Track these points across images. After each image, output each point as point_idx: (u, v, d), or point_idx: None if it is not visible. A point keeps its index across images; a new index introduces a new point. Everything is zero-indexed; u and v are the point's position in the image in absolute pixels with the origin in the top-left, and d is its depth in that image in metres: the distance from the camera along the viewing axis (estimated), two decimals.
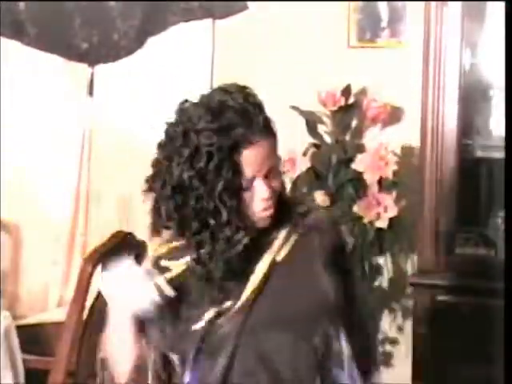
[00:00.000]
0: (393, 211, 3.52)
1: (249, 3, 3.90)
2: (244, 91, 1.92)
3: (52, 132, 4.11)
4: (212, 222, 1.89)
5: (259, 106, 1.91)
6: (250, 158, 1.88)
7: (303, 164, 3.60)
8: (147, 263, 2.00)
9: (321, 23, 3.81)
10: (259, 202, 1.92)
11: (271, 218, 1.96)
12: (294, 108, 3.68)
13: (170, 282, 1.94)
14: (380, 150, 3.55)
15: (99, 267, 2.65)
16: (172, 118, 1.96)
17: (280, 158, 1.99)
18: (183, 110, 1.94)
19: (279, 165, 1.99)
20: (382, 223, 3.52)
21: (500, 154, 3.25)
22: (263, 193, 1.91)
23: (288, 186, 3.49)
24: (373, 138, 3.69)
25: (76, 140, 4.11)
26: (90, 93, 4.09)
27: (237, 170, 1.87)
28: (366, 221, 3.52)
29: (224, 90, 1.92)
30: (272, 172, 1.93)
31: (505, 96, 2.69)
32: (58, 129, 4.11)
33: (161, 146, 1.95)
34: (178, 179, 1.89)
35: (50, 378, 2.72)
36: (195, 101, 1.95)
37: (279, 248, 2.00)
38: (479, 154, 3.54)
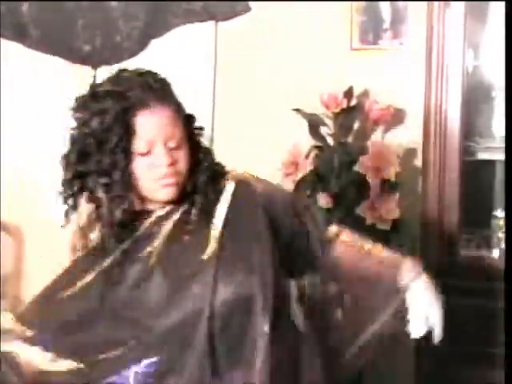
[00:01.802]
0: (395, 213, 3.51)
1: (251, 5, 3.90)
2: (150, 71, 2.09)
3: (54, 134, 4.01)
4: (105, 180, 1.98)
5: (160, 79, 2.06)
6: (145, 122, 1.97)
7: (306, 166, 3.59)
8: None
9: (323, 25, 3.81)
10: (160, 168, 1.99)
11: (177, 190, 2.02)
12: (297, 110, 3.68)
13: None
14: (382, 151, 3.55)
15: None
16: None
17: (191, 132, 2.07)
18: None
19: (186, 137, 2.04)
20: (385, 225, 3.51)
21: (502, 156, 3.24)
22: (161, 158, 1.98)
23: (291, 189, 3.54)
24: (375, 139, 3.68)
25: None
26: None
27: (130, 131, 1.96)
28: (368, 223, 3.51)
29: (132, 69, 2.09)
30: (175, 141, 2.00)
31: (505, 97, 2.72)
32: (60, 131, 4.08)
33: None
34: (79, 143, 2.01)
35: None
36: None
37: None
38: (482, 155, 3.53)
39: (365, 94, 3.75)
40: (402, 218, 3.52)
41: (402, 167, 3.55)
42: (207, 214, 2.05)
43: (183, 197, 2.08)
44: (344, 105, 3.64)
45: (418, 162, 3.56)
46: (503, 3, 2.99)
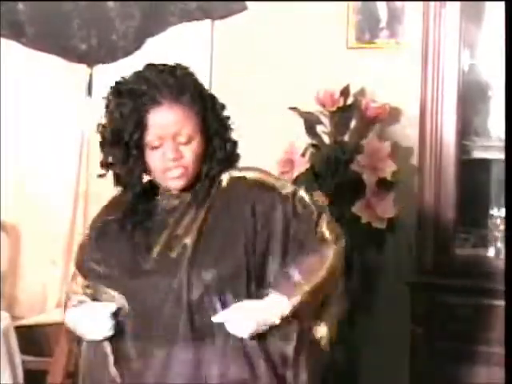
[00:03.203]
0: (391, 212, 3.52)
1: (248, 4, 3.89)
2: (173, 66, 2.22)
3: (51, 133, 4.12)
4: (125, 169, 2.21)
5: (182, 78, 2.19)
6: (156, 119, 2.15)
7: (302, 164, 3.60)
8: None
9: (320, 24, 3.81)
10: (168, 161, 2.17)
11: (185, 180, 2.19)
12: (293, 109, 3.68)
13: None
14: (379, 150, 3.55)
15: None
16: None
17: (200, 130, 2.19)
18: None
19: (198, 135, 2.18)
20: (381, 224, 3.52)
21: (498, 155, 3.29)
22: (168, 152, 2.16)
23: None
24: (372, 138, 3.68)
25: (75, 141, 4.12)
26: (89, 93, 4.09)
27: (142, 126, 2.15)
28: (364, 221, 3.51)
29: (158, 65, 2.23)
30: (184, 137, 2.16)
31: (505, 97, 2.71)
32: (56, 129, 4.12)
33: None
34: (103, 135, 2.24)
35: (48, 379, 2.72)
36: None
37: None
38: (478, 154, 3.53)
39: (361, 92, 3.75)
40: (397, 216, 3.53)
41: (398, 166, 3.56)
42: (200, 202, 2.22)
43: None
44: (340, 103, 3.65)
45: (414, 160, 3.56)
46: (498, 3, 3.01)
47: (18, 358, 3.49)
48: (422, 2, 3.47)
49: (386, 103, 3.67)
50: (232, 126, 2.28)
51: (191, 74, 2.24)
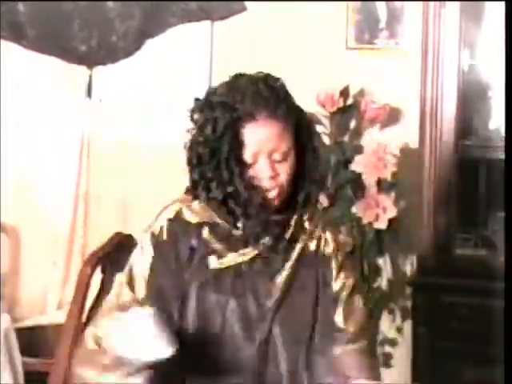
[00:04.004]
0: (392, 212, 3.50)
1: (247, 4, 3.89)
2: (266, 76, 2.10)
3: (51, 134, 4.11)
4: (231, 189, 2.02)
5: (273, 86, 2.05)
6: (252, 134, 2.00)
7: None
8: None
9: (319, 24, 3.81)
10: (263, 180, 2.02)
11: (279, 201, 2.04)
12: None
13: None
14: (379, 151, 3.54)
15: (98, 270, 2.67)
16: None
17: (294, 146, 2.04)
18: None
19: (293, 152, 2.04)
20: (381, 224, 3.51)
21: (498, 155, 3.31)
22: (265, 171, 2.01)
23: None
24: (371, 139, 3.68)
25: (75, 142, 4.11)
26: (89, 95, 4.08)
27: (238, 142, 1.99)
28: (364, 222, 3.51)
29: (249, 75, 2.11)
30: (280, 154, 2.02)
31: (505, 97, 2.69)
32: (56, 131, 4.10)
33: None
34: (195, 149, 2.04)
35: (49, 381, 2.72)
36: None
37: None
38: (478, 154, 3.55)
39: (361, 93, 3.74)
40: (398, 217, 3.52)
41: (398, 166, 3.54)
42: (287, 246, 2.10)
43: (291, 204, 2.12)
44: (340, 104, 3.65)
45: (414, 161, 3.56)
46: (498, 3, 3.01)
47: (19, 359, 3.48)
48: (421, 2, 3.48)
49: (386, 104, 3.66)
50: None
51: (284, 86, 2.11)
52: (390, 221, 3.52)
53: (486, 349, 3.17)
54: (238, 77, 2.10)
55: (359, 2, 3.80)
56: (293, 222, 2.09)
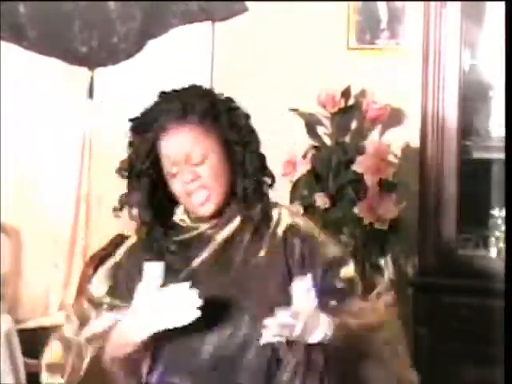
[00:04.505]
0: (393, 213, 3.50)
1: (248, 5, 3.90)
2: (181, 89, 2.19)
3: (52, 135, 4.12)
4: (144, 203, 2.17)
5: (186, 97, 2.14)
6: (167, 146, 2.12)
7: (303, 166, 3.59)
8: None
9: (320, 25, 3.81)
10: (185, 185, 2.12)
11: (214, 204, 2.12)
12: (294, 110, 3.68)
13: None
14: (380, 151, 3.54)
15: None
16: None
17: (218, 145, 2.14)
18: None
19: (215, 152, 2.13)
20: (383, 225, 3.51)
21: (499, 155, 3.29)
22: (185, 175, 2.11)
23: (288, 189, 3.57)
24: (373, 139, 3.69)
25: (76, 143, 4.12)
26: (90, 96, 4.09)
27: (156, 156, 2.13)
28: (366, 222, 3.50)
29: (164, 92, 2.20)
30: (199, 157, 2.11)
31: (505, 97, 2.72)
32: (58, 132, 4.11)
33: None
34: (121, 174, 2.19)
35: None
36: None
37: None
38: (479, 154, 3.55)
39: (362, 93, 3.74)
40: (399, 217, 3.52)
41: (399, 167, 3.56)
42: (258, 237, 2.18)
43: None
44: (341, 104, 3.65)
45: (416, 161, 3.56)
46: (499, 3, 3.02)
47: (21, 360, 3.49)
48: (422, 3, 3.48)
49: (387, 104, 3.66)
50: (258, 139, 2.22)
51: (200, 92, 2.19)
52: (392, 221, 3.52)
53: (486, 349, 3.17)
54: (158, 95, 2.19)
55: (360, 3, 3.81)
56: (237, 221, 2.17)
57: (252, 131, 2.22)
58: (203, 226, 2.18)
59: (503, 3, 2.88)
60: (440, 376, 3.35)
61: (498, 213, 3.45)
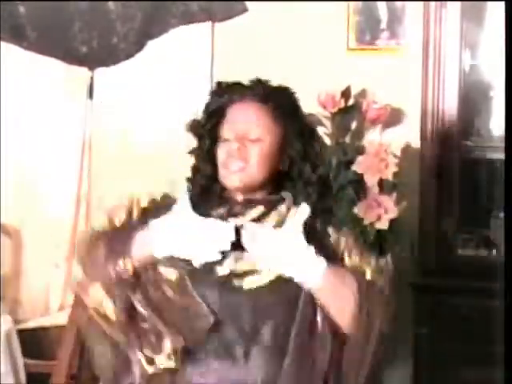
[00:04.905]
0: (393, 213, 3.50)
1: (248, 5, 3.90)
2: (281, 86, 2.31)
3: (52, 136, 4.12)
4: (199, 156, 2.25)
5: (275, 87, 2.27)
6: (233, 113, 2.20)
7: None
8: None
9: (320, 25, 3.81)
10: (230, 151, 2.16)
11: (242, 177, 2.15)
12: None
13: None
14: (380, 151, 3.53)
15: None
16: None
17: (277, 132, 2.19)
18: None
19: (273, 142, 2.18)
20: (383, 225, 3.50)
21: (500, 155, 3.29)
22: (233, 144, 2.16)
23: None
24: (373, 139, 3.67)
25: (76, 144, 4.12)
26: (90, 96, 4.09)
27: (223, 120, 2.20)
28: (366, 222, 3.51)
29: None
30: (257, 134, 2.16)
31: (505, 97, 2.69)
32: (58, 133, 4.12)
33: None
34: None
35: (51, 382, 2.74)
36: None
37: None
38: (479, 154, 3.57)
39: (362, 93, 3.75)
40: (399, 217, 3.52)
41: (399, 167, 3.54)
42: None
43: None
44: (341, 105, 3.65)
45: (416, 161, 3.57)
46: (499, 3, 3.03)
47: (21, 361, 3.49)
48: (422, 3, 3.49)
49: (387, 104, 3.67)
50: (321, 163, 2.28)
51: (291, 93, 2.30)
52: (392, 221, 3.51)
53: (487, 350, 3.16)
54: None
55: (360, 3, 3.81)
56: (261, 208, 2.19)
57: (319, 153, 2.28)
58: (232, 203, 2.20)
59: (503, 3, 2.88)
60: (440, 377, 3.37)
61: (499, 213, 3.45)
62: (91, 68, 4.06)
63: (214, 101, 2.23)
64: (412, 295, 3.51)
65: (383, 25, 3.81)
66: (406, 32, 3.77)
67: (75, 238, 4.08)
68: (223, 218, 2.14)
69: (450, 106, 3.45)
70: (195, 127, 2.26)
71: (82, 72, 4.08)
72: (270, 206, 2.18)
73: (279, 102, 2.21)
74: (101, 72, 4.07)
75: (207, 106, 2.24)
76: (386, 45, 3.81)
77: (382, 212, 3.51)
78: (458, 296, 3.40)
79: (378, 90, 3.69)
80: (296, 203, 2.17)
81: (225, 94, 2.22)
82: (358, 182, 3.56)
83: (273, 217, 2.17)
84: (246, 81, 2.26)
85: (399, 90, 3.71)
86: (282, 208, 2.19)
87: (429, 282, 3.47)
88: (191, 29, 3.97)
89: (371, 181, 3.53)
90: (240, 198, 2.18)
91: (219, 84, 2.26)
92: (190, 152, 2.28)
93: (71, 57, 4.03)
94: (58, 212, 4.13)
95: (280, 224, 2.12)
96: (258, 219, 2.16)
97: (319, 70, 3.79)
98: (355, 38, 3.83)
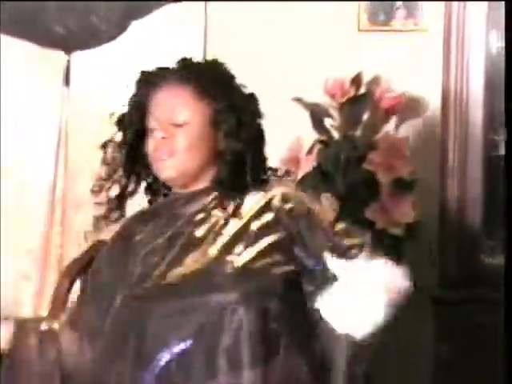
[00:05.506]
0: (410, 216, 3.41)
1: None
2: (206, 61, 2.39)
3: (25, 126, 4.00)
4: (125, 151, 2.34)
5: (187, 63, 2.29)
6: (156, 100, 2.25)
7: (308, 163, 3.50)
8: None
9: (328, 4, 3.73)
10: (156, 141, 2.22)
11: (174, 168, 2.21)
12: (298, 99, 3.59)
13: None
14: (395, 146, 3.47)
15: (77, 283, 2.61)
16: None
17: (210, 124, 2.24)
18: None
19: (200, 124, 2.23)
20: (398, 230, 3.41)
21: None
22: (158, 133, 2.22)
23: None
24: (387, 132, 3.59)
25: (51, 135, 4.00)
26: (67, 83, 3.99)
27: (146, 111, 2.25)
28: (379, 227, 3.40)
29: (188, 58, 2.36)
30: (183, 118, 2.20)
31: (505, 97, 2.71)
32: (31, 123, 4.00)
33: None
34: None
35: None
36: None
37: None
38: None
39: (375, 80, 3.66)
40: (417, 221, 3.44)
41: (416, 164, 3.47)
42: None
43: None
44: (351, 93, 3.57)
45: (436, 158, 3.56)
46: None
47: None
48: None
49: (403, 93, 3.58)
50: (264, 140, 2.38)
51: (218, 67, 2.31)
52: (408, 226, 3.44)
53: None
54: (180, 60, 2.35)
55: None
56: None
57: (259, 130, 2.38)
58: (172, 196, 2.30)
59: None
60: None
61: None
62: (68, 51, 3.97)
63: (138, 91, 2.29)
64: (432, 308, 3.49)
65: (399, 3, 3.74)
66: (424, 10, 3.70)
67: (49, 246, 3.96)
68: (170, 215, 2.23)
69: (475, 94, 3.46)
70: (121, 122, 2.32)
71: (58, 56, 4.00)
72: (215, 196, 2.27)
73: (204, 79, 2.25)
74: (79, 56, 3.99)
75: (131, 98, 2.30)
76: (403, 25, 3.74)
77: (397, 215, 3.43)
78: (482, 310, 3.36)
79: (392, 77, 3.62)
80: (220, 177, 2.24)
81: (149, 83, 2.28)
82: (370, 181, 3.47)
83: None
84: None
85: (417, 77, 3.64)
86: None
87: (450, 294, 3.46)
88: (181, 7, 3.88)
89: (385, 180, 3.44)
90: (183, 190, 2.27)
91: (142, 73, 2.31)
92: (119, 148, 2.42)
93: (46, 39, 3.97)
94: (29, 215, 3.96)
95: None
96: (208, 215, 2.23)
97: (326, 54, 3.72)
98: (367, 17, 3.77)
